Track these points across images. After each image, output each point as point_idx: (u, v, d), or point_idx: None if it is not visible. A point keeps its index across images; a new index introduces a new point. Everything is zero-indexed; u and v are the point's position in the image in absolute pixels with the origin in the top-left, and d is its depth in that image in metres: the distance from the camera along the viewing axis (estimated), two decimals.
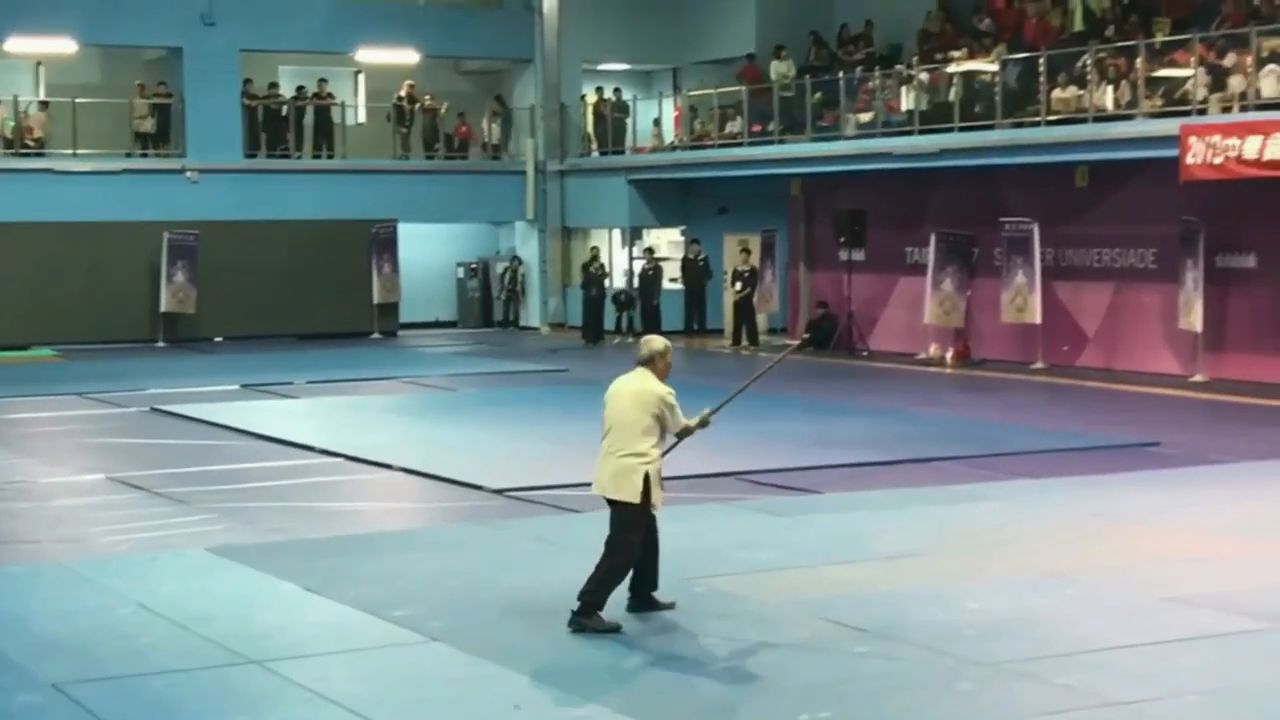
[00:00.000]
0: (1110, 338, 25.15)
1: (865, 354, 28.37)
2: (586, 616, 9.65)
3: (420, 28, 34.94)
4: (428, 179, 34.61)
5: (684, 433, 9.87)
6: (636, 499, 9.66)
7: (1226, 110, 21.87)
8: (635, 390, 9.79)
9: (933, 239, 26.90)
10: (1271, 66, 21.53)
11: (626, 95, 35.33)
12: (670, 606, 10.07)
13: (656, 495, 9.74)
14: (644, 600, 10.04)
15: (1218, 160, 21.14)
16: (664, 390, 9.77)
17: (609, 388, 9.95)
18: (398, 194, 33.94)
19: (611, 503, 9.79)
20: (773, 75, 30.83)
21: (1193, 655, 9.06)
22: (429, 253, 35.62)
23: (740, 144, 30.91)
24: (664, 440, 9.83)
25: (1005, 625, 9.71)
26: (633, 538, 9.74)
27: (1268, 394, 21.55)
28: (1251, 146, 20.69)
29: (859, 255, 28.65)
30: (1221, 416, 20.14)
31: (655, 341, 9.99)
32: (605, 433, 9.82)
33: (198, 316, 31.87)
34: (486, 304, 36.32)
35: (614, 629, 9.64)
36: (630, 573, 9.92)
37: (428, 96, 34.95)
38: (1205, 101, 22.19)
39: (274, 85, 34.08)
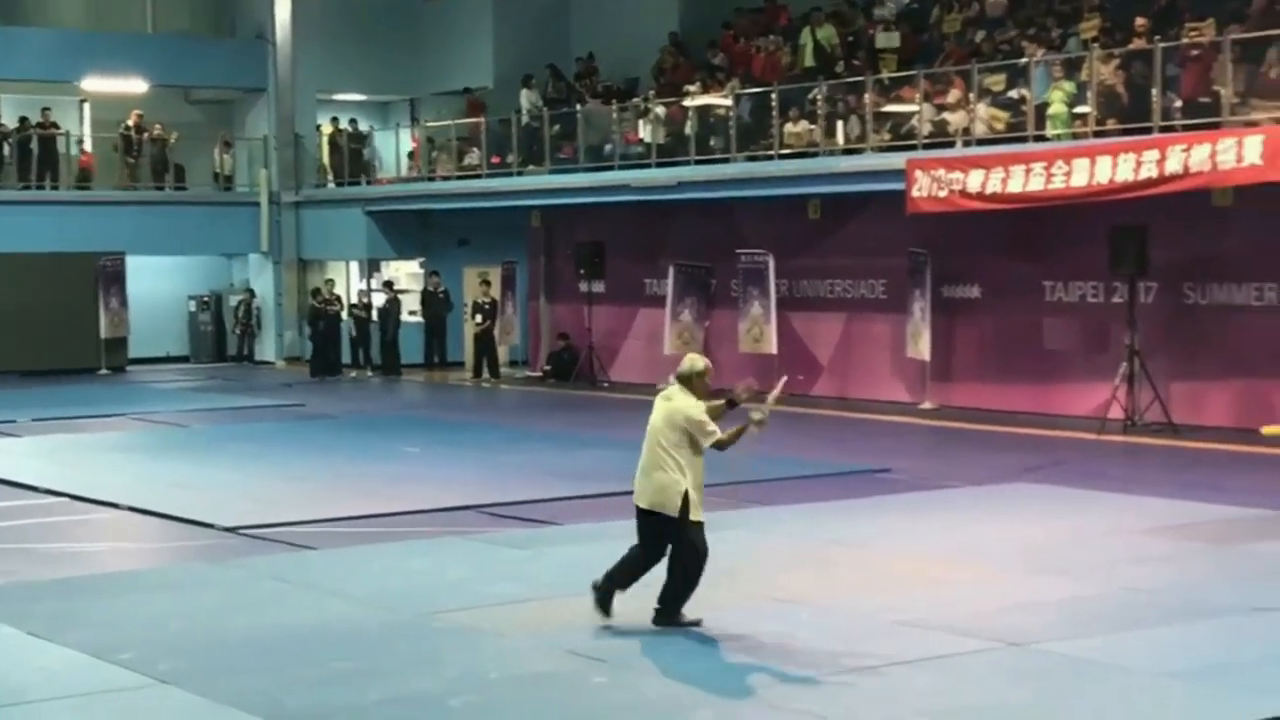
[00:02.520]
0: (843, 367, 25.67)
1: (606, 385, 28.49)
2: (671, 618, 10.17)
3: (149, 56, 34.19)
4: (157, 210, 33.81)
5: (727, 443, 10.16)
6: (675, 513, 10.00)
7: (949, 145, 22.50)
8: (668, 409, 10.12)
9: (671, 270, 27.16)
10: (981, 107, 22.18)
11: (363, 126, 35.03)
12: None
13: (696, 511, 10.03)
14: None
15: (942, 194, 21.68)
16: (691, 406, 10.07)
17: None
18: (125, 226, 33.05)
19: (649, 513, 10.09)
20: (523, 104, 30.78)
21: (925, 677, 9.23)
22: (159, 286, 34.77)
23: (479, 175, 30.86)
24: (697, 454, 10.09)
25: (742, 652, 9.79)
26: (689, 543, 10.05)
27: (991, 420, 22.22)
28: (974, 180, 21.24)
29: (599, 287, 28.78)
30: (948, 442, 20.68)
31: (697, 361, 10.36)
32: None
33: None
34: (220, 338, 35.56)
35: (695, 623, 10.18)
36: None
37: (157, 126, 34.16)
38: (931, 136, 22.79)
39: None
